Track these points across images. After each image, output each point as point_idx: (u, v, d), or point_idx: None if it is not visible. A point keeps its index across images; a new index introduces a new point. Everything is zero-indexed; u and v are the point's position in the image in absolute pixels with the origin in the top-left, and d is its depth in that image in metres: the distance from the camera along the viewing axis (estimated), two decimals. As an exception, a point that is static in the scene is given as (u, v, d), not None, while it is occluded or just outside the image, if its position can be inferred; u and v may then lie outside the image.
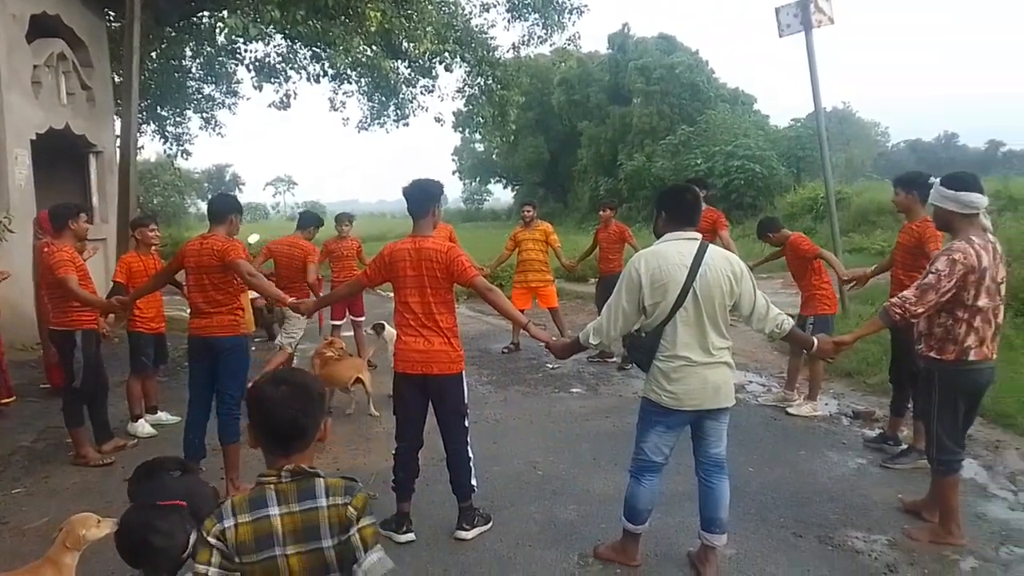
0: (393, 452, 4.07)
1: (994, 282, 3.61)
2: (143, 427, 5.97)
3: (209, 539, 1.82)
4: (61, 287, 5.05)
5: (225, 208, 4.72)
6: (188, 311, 4.84)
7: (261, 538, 1.81)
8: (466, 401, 4.06)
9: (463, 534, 3.98)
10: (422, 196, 3.96)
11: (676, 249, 3.35)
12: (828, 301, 6.10)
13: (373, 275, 4.06)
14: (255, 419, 1.94)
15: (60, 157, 10.62)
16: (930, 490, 4.12)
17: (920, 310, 3.59)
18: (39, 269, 6.82)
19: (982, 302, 3.59)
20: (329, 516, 1.83)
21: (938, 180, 3.79)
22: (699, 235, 3.43)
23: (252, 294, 7.08)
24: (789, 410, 6.18)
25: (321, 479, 1.88)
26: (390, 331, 6.66)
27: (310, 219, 7.42)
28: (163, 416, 6.23)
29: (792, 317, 3.63)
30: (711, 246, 3.40)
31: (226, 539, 1.81)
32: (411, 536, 3.96)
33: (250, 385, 2.10)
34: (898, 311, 3.62)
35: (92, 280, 5.42)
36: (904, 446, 5.08)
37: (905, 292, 3.67)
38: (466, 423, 4.06)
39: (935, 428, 3.79)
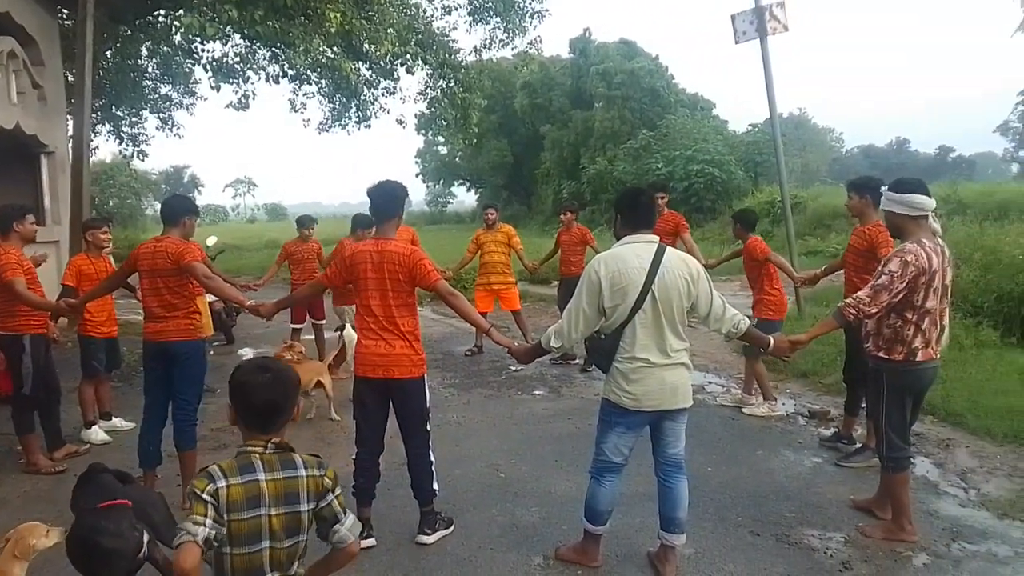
0: (354, 457, 4.03)
1: (942, 284, 3.72)
2: (97, 433, 5.82)
3: (203, 496, 2.01)
4: (8, 291, 4.91)
5: (178, 210, 4.60)
6: (143, 315, 4.73)
7: (251, 498, 2.04)
8: (428, 405, 4.04)
9: (424, 538, 3.96)
10: (387, 198, 3.94)
11: (634, 252, 3.39)
12: (775, 307, 6.19)
13: (334, 276, 4.03)
14: (238, 401, 2.16)
15: (11, 157, 10.32)
16: (879, 488, 4.22)
17: (874, 310, 3.68)
18: None
19: (930, 304, 3.70)
20: (308, 484, 2.11)
21: (885, 187, 3.90)
22: (656, 238, 3.48)
23: (210, 297, 6.97)
24: (744, 410, 6.29)
25: (297, 454, 2.16)
26: (351, 333, 6.61)
27: (362, 221, 7.10)
28: (118, 422, 6.09)
29: (748, 318, 3.69)
30: (668, 248, 3.44)
31: (218, 498, 2.02)
32: (372, 541, 3.92)
33: (235, 370, 2.26)
34: (852, 311, 3.71)
35: (41, 284, 5.29)
36: (858, 445, 5.20)
37: (859, 293, 3.76)
38: (428, 427, 4.04)
39: (884, 427, 3.88)
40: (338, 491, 2.19)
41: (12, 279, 4.86)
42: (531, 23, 14.84)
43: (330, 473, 2.18)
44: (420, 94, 15.31)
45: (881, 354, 3.84)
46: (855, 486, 4.63)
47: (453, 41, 14.35)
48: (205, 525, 1.98)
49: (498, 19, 14.69)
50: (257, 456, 2.11)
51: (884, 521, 4.05)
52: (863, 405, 5.24)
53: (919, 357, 3.76)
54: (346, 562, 2.25)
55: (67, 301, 5.14)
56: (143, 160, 19.64)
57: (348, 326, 6.88)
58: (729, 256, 7.07)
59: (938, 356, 3.86)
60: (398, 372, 3.83)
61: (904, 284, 3.64)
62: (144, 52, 15.40)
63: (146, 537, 3.11)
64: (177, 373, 4.53)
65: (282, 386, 2.16)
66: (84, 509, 3.15)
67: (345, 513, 2.20)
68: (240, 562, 2.07)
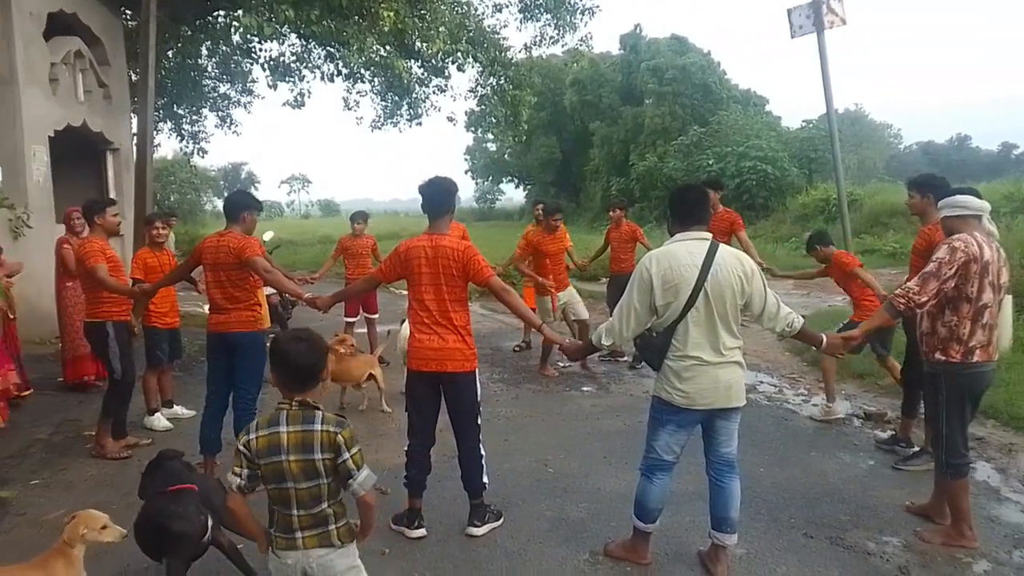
0: (405, 449, 4.10)
1: (997, 280, 3.63)
2: (159, 420, 6.03)
3: (240, 447, 2.45)
4: (91, 278, 5.15)
5: (239, 205, 4.76)
6: (206, 307, 4.89)
7: (272, 447, 2.41)
8: (479, 399, 4.08)
9: (474, 530, 4.01)
10: (439, 194, 3.98)
11: (687, 249, 3.36)
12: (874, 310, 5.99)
13: (388, 271, 4.07)
14: (279, 367, 2.50)
15: (78, 154, 10.73)
16: (934, 492, 4.11)
17: (924, 299, 3.60)
18: (59, 263, 6.94)
19: (986, 297, 3.60)
20: (321, 438, 2.40)
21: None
22: (709, 235, 3.45)
23: (267, 290, 7.15)
24: (815, 417, 6.09)
25: (320, 411, 2.45)
26: (403, 329, 6.70)
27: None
28: (179, 410, 6.30)
29: (803, 317, 3.64)
30: (722, 246, 3.41)
31: (250, 447, 2.43)
32: (422, 532, 4.00)
33: (271, 340, 2.62)
34: (902, 300, 3.64)
35: (124, 273, 5.52)
36: (916, 448, 5.07)
37: (908, 283, 3.71)
38: (479, 421, 4.08)
39: (944, 431, 3.78)
40: (354, 450, 2.43)
41: (94, 265, 5.10)
42: (582, 20, 14.78)
43: (346, 433, 2.42)
44: (470, 91, 15.40)
45: (937, 355, 3.75)
46: (912, 490, 4.52)
47: (504, 39, 14.39)
48: (240, 476, 2.46)
49: (549, 16, 14.67)
50: (284, 412, 2.44)
51: (943, 526, 3.95)
52: (921, 407, 5.12)
53: (976, 357, 3.66)
54: (367, 510, 2.53)
55: (140, 286, 5.36)
56: (203, 157, 20.15)
57: (402, 323, 6.98)
58: (801, 275, 6.91)
59: (995, 358, 3.76)
60: (451, 366, 3.87)
61: (953, 271, 3.55)
62: (204, 52, 15.85)
63: (210, 521, 3.22)
64: (238, 363, 4.67)
65: (315, 353, 2.50)
66: (154, 493, 3.28)
67: (359, 469, 2.44)
68: (275, 495, 2.48)
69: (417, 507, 4.04)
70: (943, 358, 3.72)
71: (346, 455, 2.41)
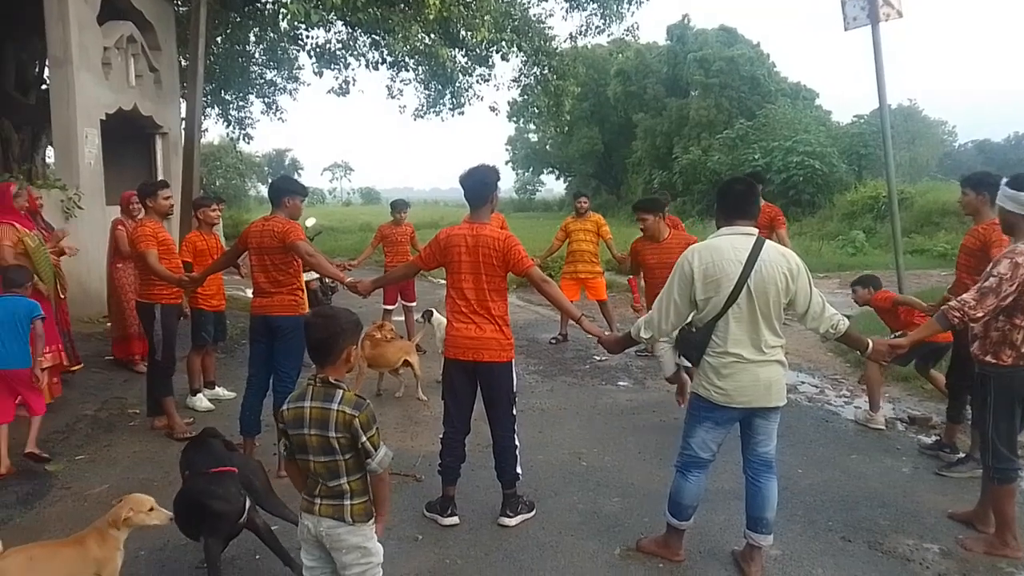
0: (440, 437, 4.13)
1: None
2: (201, 401, 6.17)
3: (278, 423, 2.62)
4: (141, 260, 5.28)
5: (282, 191, 4.82)
6: (249, 291, 4.98)
7: (297, 420, 2.53)
8: (515, 389, 4.08)
9: (507, 520, 4.02)
10: (480, 184, 3.99)
11: (731, 244, 3.31)
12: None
13: (428, 259, 4.08)
14: (305, 340, 2.61)
15: (128, 138, 10.97)
16: (980, 499, 4.00)
17: (980, 314, 3.49)
18: (112, 244, 7.12)
19: None
20: (336, 417, 2.47)
21: (1004, 180, 3.67)
22: (756, 230, 3.38)
23: (308, 275, 7.25)
24: (858, 420, 5.95)
25: (340, 391, 2.51)
26: (439, 318, 6.73)
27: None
28: (220, 391, 6.43)
29: (848, 318, 3.55)
30: (768, 242, 3.35)
31: (284, 418, 2.57)
32: (455, 520, 4.02)
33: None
34: (957, 314, 3.52)
35: (176, 255, 5.65)
36: (961, 454, 4.93)
37: (965, 295, 3.56)
38: (514, 411, 4.08)
39: (991, 435, 3.68)
40: (371, 432, 2.50)
41: (145, 250, 5.22)
42: (628, 9, 14.61)
43: (363, 416, 2.48)
44: (514, 81, 15.35)
45: (988, 358, 3.64)
46: (956, 496, 4.40)
47: (549, 28, 14.28)
48: (282, 445, 2.64)
49: (595, 5, 14.54)
50: (310, 387, 2.54)
51: (986, 534, 3.85)
52: (967, 412, 4.98)
53: None
54: (380, 488, 2.63)
55: (189, 275, 5.47)
56: (248, 143, 20.49)
57: (435, 311, 7.01)
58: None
59: None
60: (487, 355, 3.88)
61: (1014, 287, 3.43)
62: (252, 38, 16.07)
63: (248, 503, 3.28)
64: (279, 347, 4.74)
65: (329, 328, 2.54)
66: (196, 472, 3.34)
67: (377, 449, 2.52)
68: (302, 464, 2.60)
69: (450, 495, 4.07)
70: (994, 361, 3.62)
71: (363, 438, 2.48)
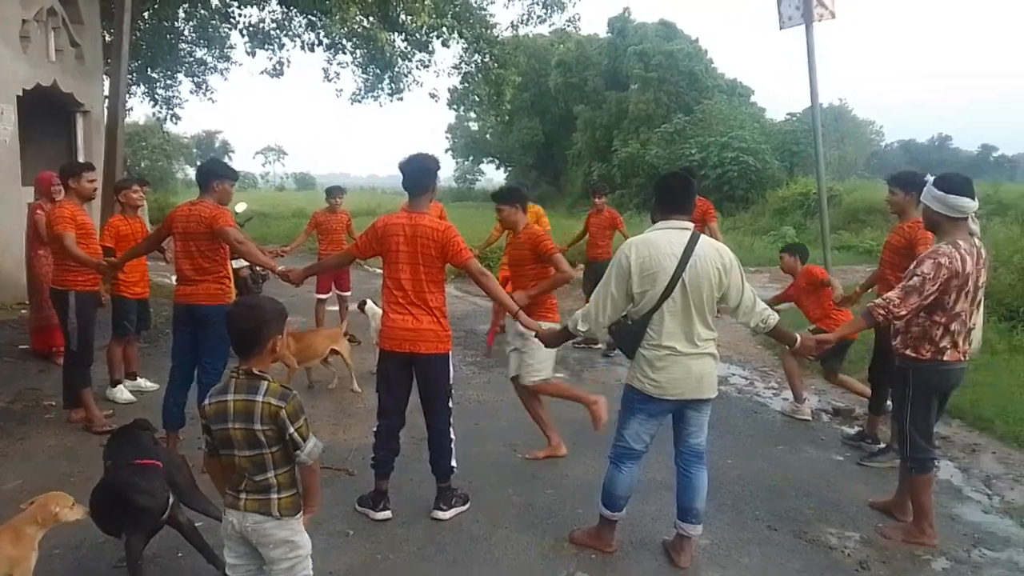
0: (374, 430, 4.05)
1: (974, 287, 3.62)
2: (122, 393, 5.91)
3: (201, 417, 2.55)
4: (58, 243, 5.02)
5: (211, 174, 4.63)
6: (174, 278, 4.78)
7: (220, 414, 2.45)
8: (451, 382, 4.04)
9: (440, 514, 3.98)
10: (420, 172, 3.91)
11: (667, 238, 3.34)
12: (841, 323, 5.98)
13: (364, 247, 4.00)
14: (227, 332, 2.53)
15: (47, 115, 10.42)
16: (898, 489, 4.15)
17: (903, 312, 3.60)
18: (31, 230, 6.72)
19: (960, 307, 3.61)
20: (261, 409, 2.40)
21: (930, 179, 3.78)
22: (691, 225, 3.41)
23: (238, 263, 7.01)
24: (785, 411, 6.12)
25: (266, 382, 2.45)
26: (373, 308, 6.61)
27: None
28: (143, 383, 6.18)
29: (778, 314, 3.62)
30: (702, 237, 3.39)
31: (204, 413, 2.50)
32: (388, 514, 3.97)
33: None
34: (882, 312, 3.63)
35: (96, 239, 5.38)
36: (882, 444, 5.11)
37: (890, 293, 3.67)
38: (450, 404, 4.04)
39: (908, 427, 3.81)
40: (299, 422, 2.43)
41: (63, 232, 4.96)
42: (570, 0, 14.65)
43: (289, 407, 2.42)
44: (454, 68, 15.25)
45: (908, 352, 3.76)
46: (877, 486, 4.56)
47: (490, 15, 14.20)
48: (207, 441, 2.56)
49: (537, -6, 14.52)
50: (233, 380, 2.47)
51: (904, 523, 4.00)
52: (888, 404, 5.16)
53: (947, 357, 3.68)
54: (310, 479, 2.56)
55: (108, 260, 5.22)
56: (176, 123, 19.85)
57: (370, 301, 6.88)
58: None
59: (966, 358, 3.77)
60: (424, 347, 3.83)
61: (936, 287, 3.54)
62: (181, 14, 15.45)
63: (171, 499, 3.15)
64: (203, 336, 4.57)
65: (255, 319, 2.47)
66: (120, 464, 3.19)
67: (305, 441, 2.46)
68: (226, 460, 2.52)
69: (383, 489, 4.01)
70: (913, 355, 3.74)
71: (291, 428, 2.42)
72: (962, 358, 3.74)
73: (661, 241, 3.33)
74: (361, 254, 4.09)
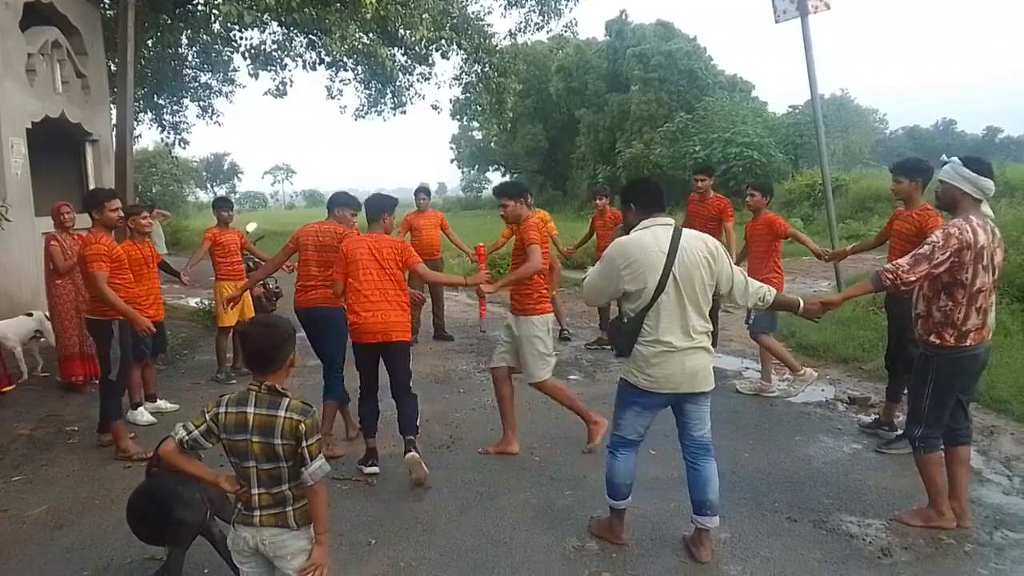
0: (359, 397, 4.85)
1: (991, 262, 3.62)
2: (142, 415, 5.97)
3: (206, 414, 2.53)
4: (90, 281, 5.05)
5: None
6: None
7: (240, 425, 2.48)
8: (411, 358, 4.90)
9: (415, 454, 4.51)
10: (378, 206, 4.90)
11: (653, 235, 3.43)
12: (780, 286, 6.15)
13: (340, 275, 4.74)
14: (242, 349, 2.67)
15: (56, 146, 10.57)
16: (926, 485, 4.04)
17: (912, 278, 3.58)
18: (48, 261, 6.74)
19: (980, 282, 3.58)
20: (283, 424, 2.45)
21: (956, 159, 3.75)
22: (672, 220, 3.53)
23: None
24: (765, 394, 6.24)
25: (287, 398, 2.50)
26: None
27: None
28: (162, 404, 6.24)
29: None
30: (685, 230, 3.49)
31: (217, 420, 2.51)
32: (375, 469, 4.68)
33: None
34: (890, 276, 3.61)
35: (128, 270, 5.42)
36: (899, 431, 5.09)
37: (899, 260, 3.65)
38: (410, 368, 4.87)
39: (924, 409, 3.76)
40: (312, 440, 2.47)
41: (96, 272, 4.98)
42: (566, 5, 14.78)
43: (308, 422, 2.46)
44: (455, 79, 15.36)
45: (932, 338, 3.71)
46: (895, 472, 4.56)
47: (488, 25, 14.35)
48: (189, 433, 2.51)
49: (533, 2, 14.62)
50: (254, 394, 2.50)
51: (921, 508, 3.96)
52: (905, 391, 5.15)
53: (970, 341, 3.65)
54: (317, 502, 2.55)
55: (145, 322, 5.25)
56: (184, 148, 19.99)
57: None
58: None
59: (988, 338, 3.74)
60: (395, 336, 4.69)
61: (946, 256, 3.53)
62: (184, 41, 15.64)
63: (208, 514, 3.20)
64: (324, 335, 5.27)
65: (270, 338, 2.52)
66: (162, 472, 3.21)
67: (312, 459, 2.48)
68: (238, 471, 2.55)
69: (372, 447, 4.82)
70: (937, 341, 3.70)
71: (304, 443, 2.47)
72: (985, 339, 3.71)
73: (647, 238, 3.42)
74: (344, 278, 4.76)
